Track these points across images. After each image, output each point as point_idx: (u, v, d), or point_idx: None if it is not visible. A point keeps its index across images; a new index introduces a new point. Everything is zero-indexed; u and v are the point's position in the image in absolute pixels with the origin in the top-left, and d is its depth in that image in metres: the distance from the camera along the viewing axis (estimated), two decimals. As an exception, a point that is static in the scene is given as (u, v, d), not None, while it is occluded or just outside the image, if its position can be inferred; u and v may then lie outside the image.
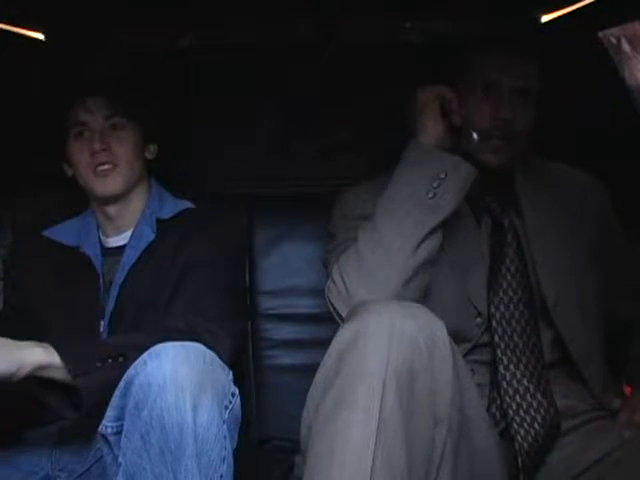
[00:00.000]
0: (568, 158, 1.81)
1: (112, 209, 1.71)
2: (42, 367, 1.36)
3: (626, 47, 1.28)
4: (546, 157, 1.80)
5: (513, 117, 1.60)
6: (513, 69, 1.62)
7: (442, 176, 1.48)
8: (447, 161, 1.50)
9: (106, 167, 1.67)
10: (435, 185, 1.48)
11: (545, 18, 2.01)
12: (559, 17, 1.95)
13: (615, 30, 1.28)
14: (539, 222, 1.65)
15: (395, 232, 1.48)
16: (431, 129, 1.54)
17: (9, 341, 1.37)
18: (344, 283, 1.49)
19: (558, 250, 1.63)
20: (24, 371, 1.34)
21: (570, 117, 2.04)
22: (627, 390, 1.68)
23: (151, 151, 1.77)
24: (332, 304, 1.51)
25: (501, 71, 1.62)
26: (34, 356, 1.35)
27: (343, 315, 1.47)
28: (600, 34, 1.27)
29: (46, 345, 1.38)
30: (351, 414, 1.22)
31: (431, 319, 1.30)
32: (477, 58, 1.64)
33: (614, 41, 1.28)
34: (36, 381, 1.38)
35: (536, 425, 1.52)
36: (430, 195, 1.48)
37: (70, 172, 1.73)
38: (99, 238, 1.74)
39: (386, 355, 1.23)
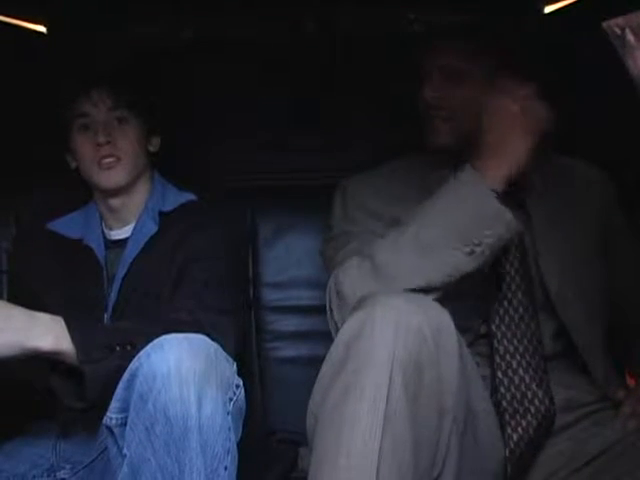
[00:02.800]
0: (570, 150, 1.80)
1: (115, 202, 1.72)
2: (50, 353, 1.36)
3: (630, 37, 1.26)
4: (550, 149, 1.80)
5: (441, 95, 1.60)
6: (442, 48, 1.63)
7: (488, 233, 1.41)
8: (503, 219, 1.41)
9: (110, 160, 1.67)
10: (479, 240, 1.41)
11: (549, 8, 2.01)
12: (563, 7, 1.95)
13: (619, 20, 1.26)
14: (543, 213, 1.64)
15: (417, 260, 1.43)
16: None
17: (22, 318, 1.36)
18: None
19: (562, 241, 1.62)
20: (28, 355, 1.35)
21: (572, 108, 2.04)
22: (630, 381, 1.67)
23: (154, 144, 1.77)
24: (333, 315, 1.51)
25: (431, 52, 1.63)
26: (41, 343, 1.35)
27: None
28: (604, 24, 1.26)
29: (59, 327, 1.37)
30: (358, 404, 1.22)
31: (438, 310, 1.30)
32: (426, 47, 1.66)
33: (618, 31, 1.27)
34: (46, 367, 1.38)
35: (528, 416, 1.51)
36: (468, 250, 1.41)
37: (74, 164, 1.73)
38: (102, 231, 1.74)
39: (393, 346, 1.23)
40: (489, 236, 1.40)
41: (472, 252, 1.40)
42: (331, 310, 1.50)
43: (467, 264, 1.41)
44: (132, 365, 1.26)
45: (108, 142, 1.67)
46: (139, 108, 1.71)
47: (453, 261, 1.41)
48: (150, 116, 1.74)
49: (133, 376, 1.25)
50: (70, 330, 1.37)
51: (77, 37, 2.04)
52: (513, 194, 1.64)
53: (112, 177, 1.68)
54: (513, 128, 1.44)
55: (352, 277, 1.47)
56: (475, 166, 1.44)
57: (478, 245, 1.40)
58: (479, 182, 1.43)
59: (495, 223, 1.41)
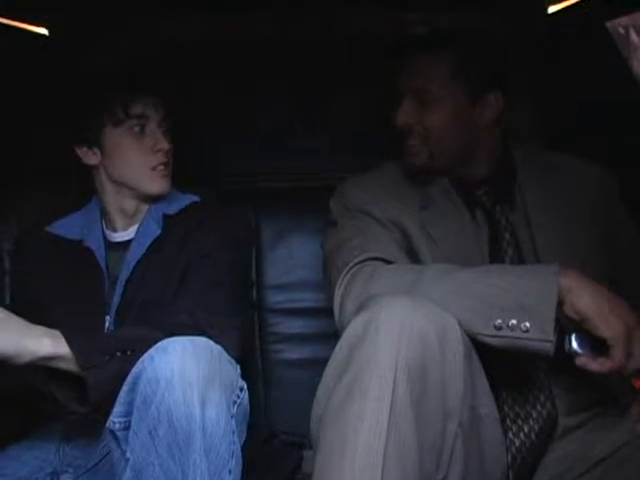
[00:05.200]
0: (570, 147, 1.79)
1: (132, 206, 1.71)
2: (48, 358, 1.35)
3: (634, 37, 1.26)
4: (552, 149, 1.79)
5: (413, 121, 1.60)
6: (412, 69, 1.61)
7: (526, 328, 1.34)
8: (545, 325, 1.32)
9: (164, 167, 1.68)
10: (514, 325, 1.34)
11: (552, 8, 2.00)
12: (566, 7, 1.94)
13: (623, 20, 1.26)
14: (544, 215, 1.62)
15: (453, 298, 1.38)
16: None
17: (21, 324, 1.36)
18: None
19: (562, 240, 1.60)
20: (26, 358, 1.33)
21: (573, 109, 2.03)
22: (637, 383, 1.66)
23: None
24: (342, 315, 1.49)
25: (403, 72, 1.62)
26: (39, 346, 1.34)
27: None
28: (608, 24, 1.25)
29: (57, 334, 1.37)
30: (363, 405, 1.21)
31: (442, 313, 1.29)
32: (404, 61, 1.64)
33: (622, 31, 1.27)
34: (44, 374, 1.37)
35: (530, 421, 1.50)
36: (498, 323, 1.35)
37: (93, 161, 1.70)
38: (103, 232, 1.73)
39: (397, 347, 1.23)
40: (523, 330, 1.33)
41: (500, 328, 1.34)
42: (340, 308, 1.49)
43: (488, 337, 1.35)
44: (135, 368, 1.26)
45: (168, 150, 1.68)
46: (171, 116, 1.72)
47: (481, 323, 1.35)
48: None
49: (136, 379, 1.24)
50: (68, 338, 1.37)
51: (78, 39, 2.04)
52: (503, 195, 1.65)
53: (163, 184, 1.69)
54: None
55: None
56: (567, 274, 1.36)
57: (510, 328, 1.33)
58: (554, 283, 1.35)
59: (536, 320, 1.32)
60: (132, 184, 1.69)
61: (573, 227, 1.62)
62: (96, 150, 1.69)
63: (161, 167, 1.68)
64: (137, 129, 1.67)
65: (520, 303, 1.33)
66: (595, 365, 1.33)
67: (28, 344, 1.34)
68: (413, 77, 1.61)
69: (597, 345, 1.34)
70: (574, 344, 1.35)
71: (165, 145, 1.67)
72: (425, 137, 1.61)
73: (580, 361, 1.35)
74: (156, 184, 1.68)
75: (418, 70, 1.61)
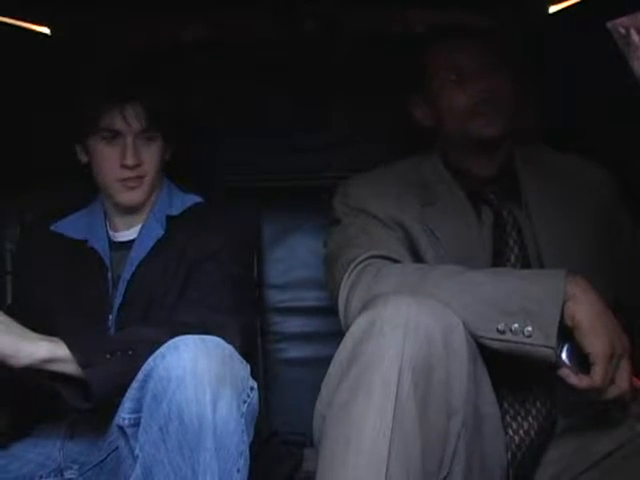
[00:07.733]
0: (572, 147, 1.80)
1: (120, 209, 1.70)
2: (47, 360, 1.34)
3: (635, 38, 1.27)
4: (553, 147, 1.80)
5: (495, 88, 1.60)
6: (472, 51, 1.64)
7: (528, 332, 1.33)
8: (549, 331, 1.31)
9: (134, 181, 1.65)
10: (516, 328, 1.33)
11: (553, 8, 2.00)
12: (567, 7, 1.95)
13: (624, 20, 1.27)
14: (546, 215, 1.63)
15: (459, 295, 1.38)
16: None
17: (20, 328, 1.36)
18: None
19: (564, 239, 1.61)
20: (24, 360, 1.33)
21: (574, 108, 2.04)
22: (637, 382, 1.66)
23: (169, 153, 1.74)
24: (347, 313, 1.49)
25: (466, 55, 1.64)
26: (37, 347, 1.34)
27: None
28: (609, 24, 1.26)
29: (55, 338, 1.37)
30: (367, 402, 1.22)
31: (447, 312, 1.29)
32: (444, 50, 1.65)
33: (623, 31, 1.27)
34: (46, 374, 1.37)
35: (530, 418, 1.50)
36: (501, 327, 1.34)
37: (84, 159, 1.69)
38: (107, 231, 1.73)
39: (402, 345, 1.23)
40: (526, 335, 1.32)
41: (502, 332, 1.34)
42: (346, 305, 1.49)
43: (490, 341, 1.35)
44: (146, 366, 1.26)
45: (136, 165, 1.63)
46: (167, 124, 1.67)
47: (484, 326, 1.35)
48: (172, 128, 1.70)
49: (147, 377, 1.25)
50: (67, 339, 1.36)
51: (80, 39, 2.04)
52: (508, 193, 1.65)
53: (134, 197, 1.66)
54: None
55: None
56: (575, 280, 1.35)
57: (512, 332, 1.33)
58: (560, 289, 1.34)
59: (538, 325, 1.32)
60: (106, 191, 1.69)
61: (575, 227, 1.63)
62: (84, 149, 1.68)
63: (131, 181, 1.64)
64: (109, 137, 1.63)
65: (524, 307, 1.33)
66: (574, 379, 1.32)
67: (26, 345, 1.33)
68: (478, 57, 1.63)
69: (585, 362, 1.33)
70: (563, 354, 1.34)
71: (129, 161, 1.62)
72: (501, 106, 1.61)
73: (562, 372, 1.34)
74: (126, 197, 1.66)
75: (476, 50, 1.64)
